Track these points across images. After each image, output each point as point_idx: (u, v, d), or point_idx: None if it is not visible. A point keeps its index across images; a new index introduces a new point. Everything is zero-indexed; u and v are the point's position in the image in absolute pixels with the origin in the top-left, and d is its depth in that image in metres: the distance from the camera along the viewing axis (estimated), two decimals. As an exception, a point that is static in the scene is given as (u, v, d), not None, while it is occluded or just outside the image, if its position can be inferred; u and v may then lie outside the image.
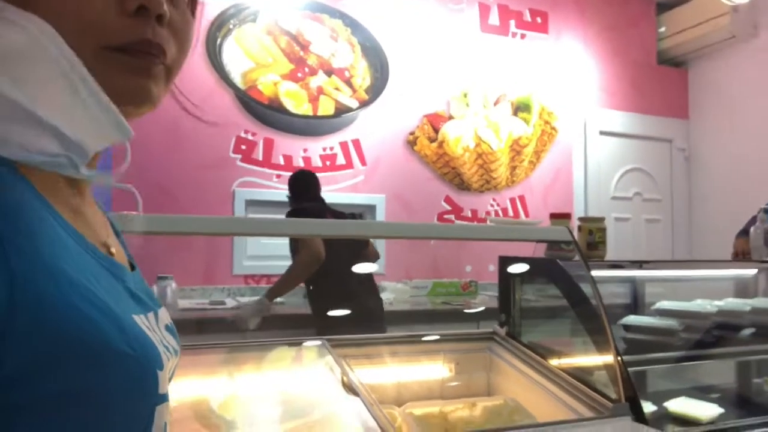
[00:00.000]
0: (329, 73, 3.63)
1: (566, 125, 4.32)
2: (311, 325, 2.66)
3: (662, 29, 4.67)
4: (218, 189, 3.37)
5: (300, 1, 3.60)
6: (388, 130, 3.79)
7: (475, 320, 2.96)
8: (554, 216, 1.74)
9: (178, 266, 3.07)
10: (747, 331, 1.85)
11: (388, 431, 1.13)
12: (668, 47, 4.67)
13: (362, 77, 3.73)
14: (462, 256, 3.87)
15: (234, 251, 3.38)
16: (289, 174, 3.49)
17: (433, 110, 3.91)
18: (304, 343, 1.65)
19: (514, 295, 1.81)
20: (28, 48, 0.40)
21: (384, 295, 3.08)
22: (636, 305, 1.99)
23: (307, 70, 3.58)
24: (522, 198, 4.14)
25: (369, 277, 2.84)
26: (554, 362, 1.50)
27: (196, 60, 3.29)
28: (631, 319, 1.81)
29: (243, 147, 3.43)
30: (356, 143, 3.70)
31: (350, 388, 1.31)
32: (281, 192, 3.48)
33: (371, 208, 3.70)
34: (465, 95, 4.00)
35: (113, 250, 0.50)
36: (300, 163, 3.55)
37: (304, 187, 2.85)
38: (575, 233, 1.65)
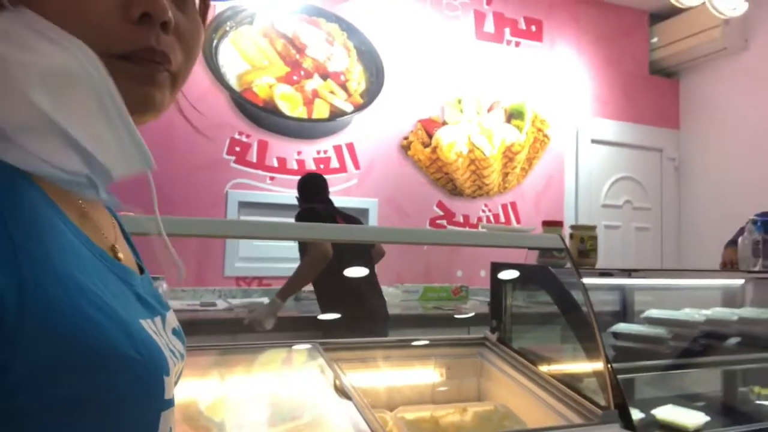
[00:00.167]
0: (325, 76, 3.64)
1: (558, 133, 4.35)
2: (305, 327, 2.68)
3: (655, 40, 4.72)
4: (211, 190, 3.37)
5: (297, 5, 3.61)
6: (382, 135, 3.80)
7: (465, 325, 2.97)
8: (547, 223, 1.75)
9: (169, 266, 3.05)
10: (734, 341, 1.87)
11: (380, 435, 1.14)
12: (660, 58, 4.72)
13: (357, 81, 3.74)
14: (453, 261, 3.89)
15: (226, 253, 3.38)
16: (282, 177, 3.51)
17: (427, 115, 3.93)
18: (296, 346, 1.65)
19: (506, 301, 1.82)
20: (74, 71, 0.40)
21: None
22: (625, 313, 2.01)
23: (302, 73, 3.59)
24: (513, 204, 4.17)
25: (373, 276, 2.86)
26: (544, 368, 1.52)
27: (191, 61, 3.29)
28: (621, 326, 1.83)
29: (237, 149, 3.43)
30: (350, 147, 3.71)
31: (342, 392, 1.32)
32: (274, 194, 3.49)
33: (364, 212, 3.71)
34: (459, 101, 4.03)
35: (120, 255, 0.50)
36: (294, 166, 3.55)
37: (313, 190, 2.89)
38: (567, 241, 1.66)
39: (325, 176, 3.55)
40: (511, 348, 1.70)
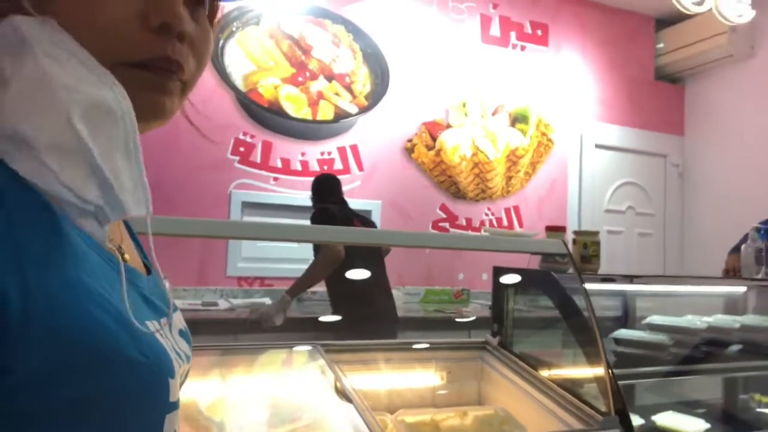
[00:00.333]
0: (330, 78, 3.65)
1: (563, 137, 4.35)
2: (310, 328, 2.69)
3: (660, 45, 4.72)
4: (215, 190, 3.37)
5: (303, 6, 3.62)
6: (387, 137, 3.80)
7: (467, 329, 2.97)
8: (550, 228, 1.75)
9: (171, 266, 3.06)
10: (735, 348, 1.87)
11: (380, 438, 1.14)
12: (666, 63, 4.71)
13: (362, 83, 3.74)
14: (455, 264, 3.89)
15: (228, 253, 3.38)
16: (286, 177, 3.52)
17: (432, 118, 3.94)
18: (297, 348, 1.65)
19: (508, 305, 1.82)
20: (113, 108, 0.41)
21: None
22: (627, 319, 2.01)
23: (308, 74, 3.60)
24: (516, 208, 4.17)
25: (384, 278, 2.88)
26: (545, 373, 1.52)
27: (197, 61, 3.30)
28: (622, 332, 1.83)
29: (241, 149, 3.44)
30: (354, 149, 3.71)
31: (343, 394, 1.32)
32: (278, 195, 3.49)
33: (367, 214, 3.71)
34: (464, 104, 4.03)
35: (127, 256, 0.50)
36: (298, 167, 3.56)
37: (328, 190, 2.91)
38: (570, 246, 1.66)
39: (330, 178, 3.55)
40: (512, 352, 1.70)
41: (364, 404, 1.26)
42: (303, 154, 3.59)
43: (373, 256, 2.81)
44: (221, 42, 3.40)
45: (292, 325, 2.67)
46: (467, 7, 4.09)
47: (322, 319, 2.78)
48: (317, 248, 2.73)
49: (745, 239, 2.21)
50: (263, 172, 3.49)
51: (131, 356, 0.40)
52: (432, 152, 3.90)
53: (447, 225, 3.96)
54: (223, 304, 3.08)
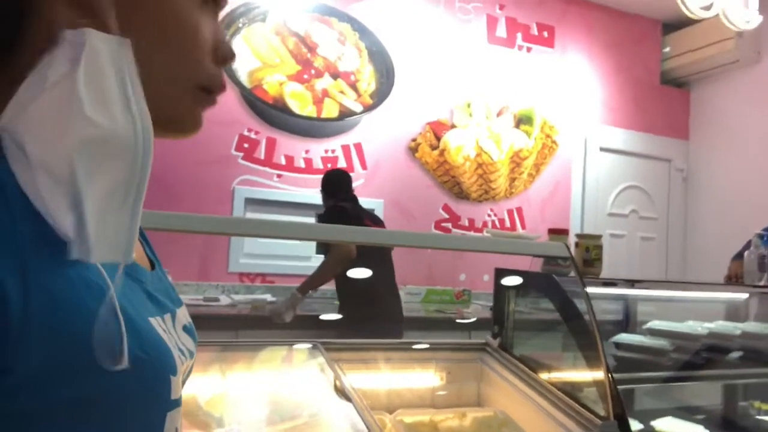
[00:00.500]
0: (335, 76, 3.65)
1: (567, 140, 4.34)
2: (315, 327, 2.71)
3: (667, 49, 4.71)
4: (218, 186, 3.38)
5: (309, 4, 3.62)
6: (391, 136, 3.80)
7: (467, 330, 2.97)
8: (553, 231, 1.75)
9: (173, 261, 3.07)
10: (736, 355, 1.87)
11: (379, 437, 1.14)
12: (672, 68, 4.70)
13: (368, 82, 3.74)
14: (457, 265, 3.89)
15: (230, 249, 3.39)
16: (289, 175, 3.52)
17: (436, 118, 3.93)
18: (298, 345, 1.65)
19: (508, 307, 1.82)
20: (126, 147, 0.40)
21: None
22: (628, 323, 2.01)
23: (313, 72, 3.60)
24: (519, 210, 4.16)
25: (393, 277, 2.88)
26: (545, 376, 1.51)
27: (203, 56, 3.30)
28: (623, 337, 1.83)
29: (245, 145, 3.45)
30: (358, 147, 3.71)
31: (342, 393, 1.32)
32: (281, 192, 3.50)
33: (369, 213, 3.72)
34: (468, 105, 4.02)
35: None
36: (301, 164, 3.56)
37: (338, 187, 2.91)
38: (572, 249, 1.66)
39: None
40: (512, 354, 1.70)
41: (363, 403, 1.26)
42: (307, 152, 3.59)
43: (382, 256, 2.81)
44: (227, 38, 3.40)
45: (296, 323, 2.67)
46: (474, 8, 4.08)
47: (325, 317, 2.79)
48: (327, 246, 2.73)
49: (748, 246, 2.21)
50: (267, 169, 3.49)
51: (132, 353, 0.39)
52: (436, 152, 3.90)
53: (449, 225, 3.96)
54: (224, 299, 3.09)
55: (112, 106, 0.39)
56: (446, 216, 3.96)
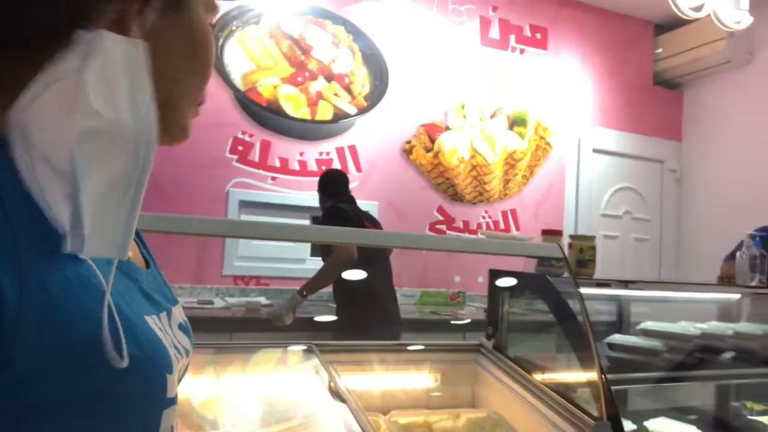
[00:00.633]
0: (329, 78, 3.65)
1: (560, 141, 4.36)
2: (311, 329, 2.70)
3: (659, 51, 4.73)
4: (212, 188, 3.37)
5: (303, 6, 3.62)
6: (385, 138, 3.81)
7: (461, 331, 2.98)
8: (546, 232, 1.76)
9: (168, 264, 3.07)
10: (728, 355, 1.88)
11: (373, 439, 1.14)
12: (664, 69, 4.73)
13: (362, 84, 3.75)
14: (451, 267, 3.89)
15: (225, 252, 3.38)
16: (284, 177, 3.52)
17: (430, 120, 3.94)
18: (292, 347, 1.66)
19: (503, 308, 1.83)
20: (127, 141, 0.40)
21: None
22: (621, 324, 2.01)
23: (307, 74, 3.60)
24: (513, 211, 4.18)
25: (391, 280, 2.87)
26: (539, 377, 1.52)
27: (196, 59, 3.30)
28: (616, 337, 1.84)
29: (240, 148, 3.44)
30: (352, 149, 3.72)
31: (336, 394, 1.32)
32: (275, 194, 3.50)
33: (364, 215, 3.72)
34: (462, 107, 4.03)
35: None
36: (296, 167, 3.56)
37: (337, 187, 2.88)
38: (565, 250, 1.67)
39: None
40: (506, 355, 1.70)
41: (357, 404, 1.26)
42: (301, 154, 3.59)
43: (381, 258, 2.80)
44: (221, 41, 3.40)
45: (291, 325, 2.67)
46: (467, 10, 4.10)
47: (320, 319, 2.79)
48: (327, 249, 2.72)
49: (740, 246, 2.22)
50: (261, 172, 3.49)
51: (129, 352, 0.40)
52: (430, 154, 3.91)
53: (444, 227, 3.97)
54: (218, 302, 3.08)
55: (118, 99, 0.40)
56: (441, 218, 3.96)
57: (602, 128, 4.55)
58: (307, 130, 3.60)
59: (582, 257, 1.73)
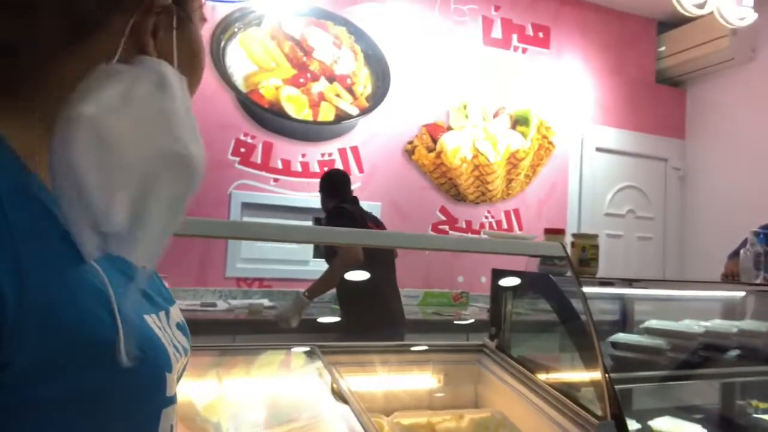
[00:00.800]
0: (331, 79, 3.65)
1: (563, 140, 4.35)
2: (314, 330, 2.69)
3: (662, 48, 4.72)
4: (215, 190, 3.38)
5: (305, 7, 3.62)
6: (387, 139, 3.81)
7: (464, 332, 2.97)
8: (549, 231, 1.75)
9: (171, 266, 3.07)
10: (733, 353, 1.87)
11: (375, 440, 1.14)
12: (667, 67, 4.71)
13: (363, 85, 3.75)
14: (454, 267, 3.89)
15: (227, 254, 3.38)
16: (286, 179, 3.52)
17: (432, 120, 3.94)
18: (295, 349, 1.65)
19: (506, 308, 1.82)
20: (193, 164, 0.46)
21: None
22: (625, 323, 2.00)
23: (309, 75, 3.60)
24: (516, 211, 4.17)
25: (395, 281, 2.87)
26: (542, 377, 1.51)
27: (198, 61, 3.30)
28: (620, 336, 1.83)
29: (242, 150, 3.45)
30: (355, 150, 3.72)
31: (339, 395, 1.32)
32: (278, 196, 3.50)
33: (367, 215, 3.72)
34: (464, 107, 4.03)
35: None
36: (298, 168, 3.56)
37: (340, 187, 2.88)
38: (568, 249, 1.66)
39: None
40: (509, 355, 1.70)
41: (360, 406, 1.26)
42: (304, 156, 3.59)
43: (385, 259, 2.79)
44: (223, 43, 3.40)
45: (295, 327, 2.67)
46: (469, 10, 4.09)
47: (323, 320, 2.78)
48: (333, 250, 2.71)
49: (744, 244, 2.21)
50: (264, 173, 3.49)
51: (128, 351, 0.40)
52: (432, 154, 3.91)
53: (447, 227, 3.96)
54: (221, 305, 3.09)
55: (188, 130, 0.45)
56: (443, 218, 3.96)
57: (605, 127, 4.54)
58: (309, 132, 3.60)
59: (585, 256, 1.72)
